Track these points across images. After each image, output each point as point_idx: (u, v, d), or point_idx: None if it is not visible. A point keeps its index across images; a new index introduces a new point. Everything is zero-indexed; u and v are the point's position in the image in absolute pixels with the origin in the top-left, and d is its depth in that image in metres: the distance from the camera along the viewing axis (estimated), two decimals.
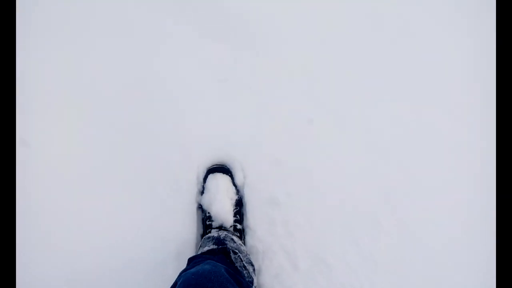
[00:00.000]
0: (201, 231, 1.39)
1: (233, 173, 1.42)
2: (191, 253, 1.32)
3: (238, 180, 1.42)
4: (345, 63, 1.63)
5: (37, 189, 1.36)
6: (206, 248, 1.18)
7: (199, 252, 1.21)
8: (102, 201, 1.37)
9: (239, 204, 1.38)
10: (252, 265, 1.22)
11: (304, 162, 1.47)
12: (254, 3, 1.67)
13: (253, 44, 1.62)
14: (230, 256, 1.16)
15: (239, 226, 1.33)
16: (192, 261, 1.10)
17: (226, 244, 1.18)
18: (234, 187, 1.39)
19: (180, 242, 1.33)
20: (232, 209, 1.34)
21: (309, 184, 1.44)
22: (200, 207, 1.38)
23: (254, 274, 1.21)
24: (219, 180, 1.37)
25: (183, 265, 1.15)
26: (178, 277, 0.96)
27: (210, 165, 1.43)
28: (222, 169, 1.40)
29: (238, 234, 1.31)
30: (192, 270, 0.91)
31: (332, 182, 1.46)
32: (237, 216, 1.34)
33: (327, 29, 1.67)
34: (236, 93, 1.56)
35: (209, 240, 1.22)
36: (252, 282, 1.18)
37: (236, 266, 1.15)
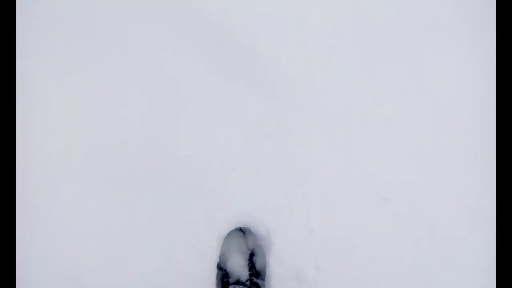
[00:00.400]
0: None
1: (246, 231, 1.39)
2: None
3: (253, 236, 1.38)
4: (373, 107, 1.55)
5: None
6: None
7: None
8: (113, 268, 1.27)
9: (253, 258, 1.37)
10: None
11: (339, 234, 1.34)
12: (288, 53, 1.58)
13: (287, 95, 1.51)
14: None
15: (255, 280, 1.32)
16: None
17: None
18: (247, 242, 1.38)
19: None
20: (247, 263, 1.35)
21: (342, 260, 1.31)
22: (218, 266, 1.36)
23: None
24: (232, 238, 1.37)
25: None
26: None
27: (232, 228, 1.40)
28: (237, 229, 1.39)
29: None
30: None
31: (367, 259, 1.31)
32: (253, 270, 1.34)
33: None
34: (266, 151, 1.44)
35: None
36: None
37: None
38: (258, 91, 1.52)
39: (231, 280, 1.32)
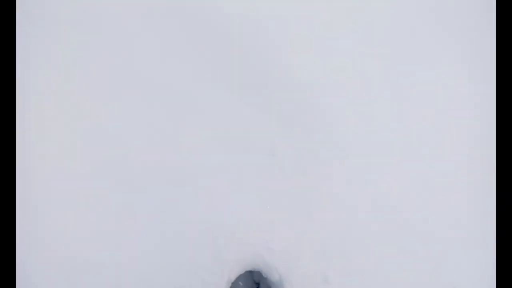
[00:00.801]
0: None
1: (253, 271, 1.33)
2: None
3: (258, 272, 1.32)
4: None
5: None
6: None
7: None
8: None
9: None
10: None
11: (356, 282, 1.26)
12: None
13: (303, 121, 1.41)
14: None
15: None
16: None
17: None
18: (253, 278, 1.34)
19: None
20: None
21: None
22: None
23: None
24: (240, 278, 1.32)
25: None
26: None
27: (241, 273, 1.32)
28: (246, 272, 1.33)
29: None
30: None
31: None
32: None
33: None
34: (281, 187, 1.33)
35: None
36: None
37: None
38: (272, 115, 1.41)
39: None
